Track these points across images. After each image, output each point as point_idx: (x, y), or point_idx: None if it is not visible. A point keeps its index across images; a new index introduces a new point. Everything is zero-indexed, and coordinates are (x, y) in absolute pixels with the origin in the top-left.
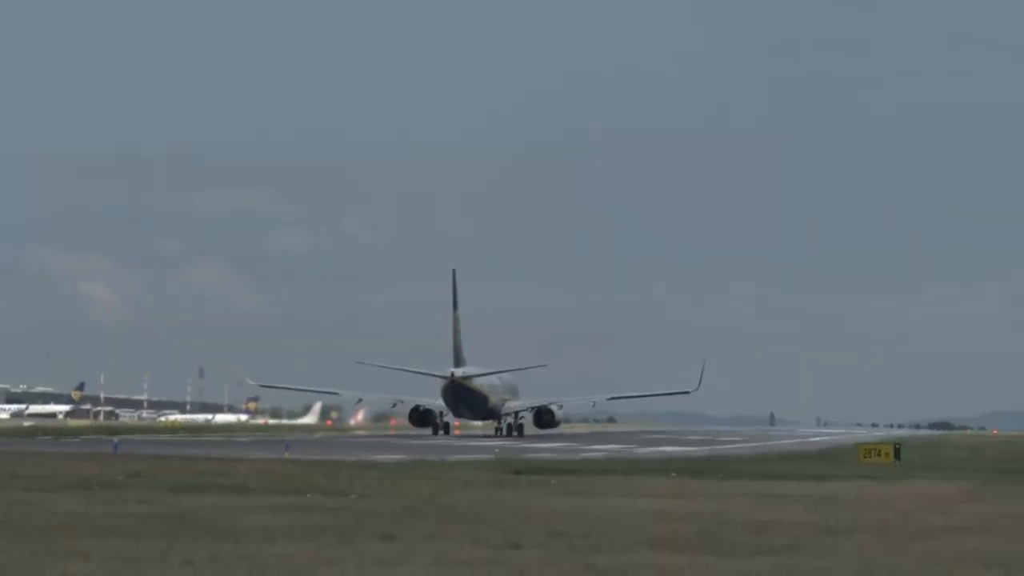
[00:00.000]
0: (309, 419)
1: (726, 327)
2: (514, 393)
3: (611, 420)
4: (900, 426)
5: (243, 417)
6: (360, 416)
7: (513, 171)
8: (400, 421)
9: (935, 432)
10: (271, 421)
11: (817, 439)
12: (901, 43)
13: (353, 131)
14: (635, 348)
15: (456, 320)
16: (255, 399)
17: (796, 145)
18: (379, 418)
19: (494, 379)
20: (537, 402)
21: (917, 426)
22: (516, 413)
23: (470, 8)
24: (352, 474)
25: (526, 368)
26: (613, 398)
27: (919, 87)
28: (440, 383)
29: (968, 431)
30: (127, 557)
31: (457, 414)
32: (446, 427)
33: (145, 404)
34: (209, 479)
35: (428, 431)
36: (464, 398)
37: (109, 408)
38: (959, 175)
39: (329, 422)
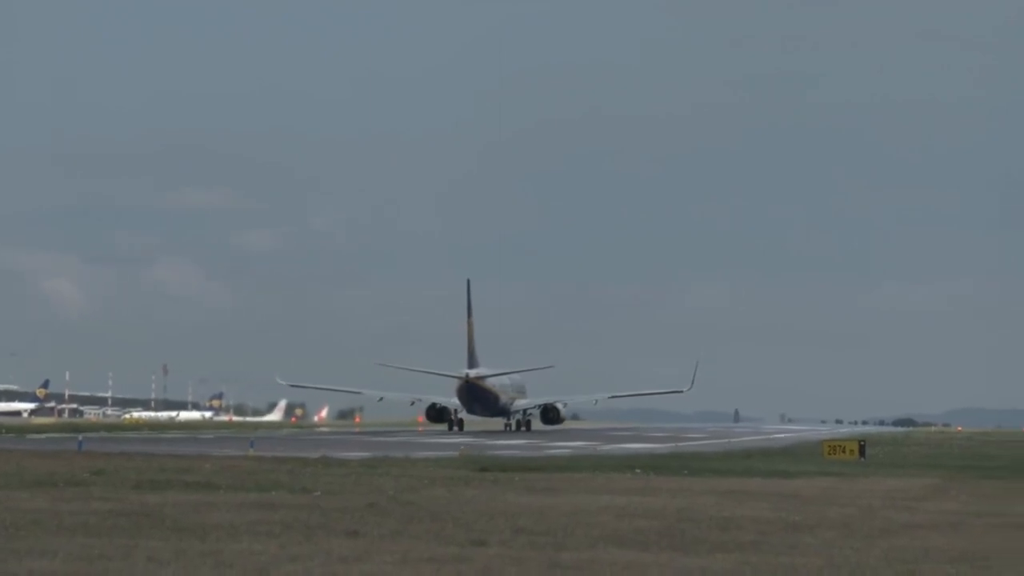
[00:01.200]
0: (274, 416)
1: (690, 324)
2: (522, 392)
3: (575, 417)
4: (865, 423)
5: (207, 414)
6: (324, 413)
7: (481, 167)
8: (363, 418)
9: (899, 429)
10: (236, 418)
11: (782, 435)
12: (867, 39)
13: (323, 128)
14: (604, 345)
15: (470, 326)
16: (219, 396)
17: (762, 143)
18: (343, 415)
19: (504, 379)
20: (544, 400)
21: (882, 422)
22: (524, 410)
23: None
24: (317, 471)
25: (535, 369)
26: (614, 396)
27: (881, 84)
28: (455, 383)
29: (932, 427)
30: (92, 554)
31: (470, 411)
32: (460, 423)
33: (109, 401)
34: (174, 476)
35: (444, 427)
36: (477, 396)
37: (74, 406)
38: (920, 173)
39: (294, 419)
